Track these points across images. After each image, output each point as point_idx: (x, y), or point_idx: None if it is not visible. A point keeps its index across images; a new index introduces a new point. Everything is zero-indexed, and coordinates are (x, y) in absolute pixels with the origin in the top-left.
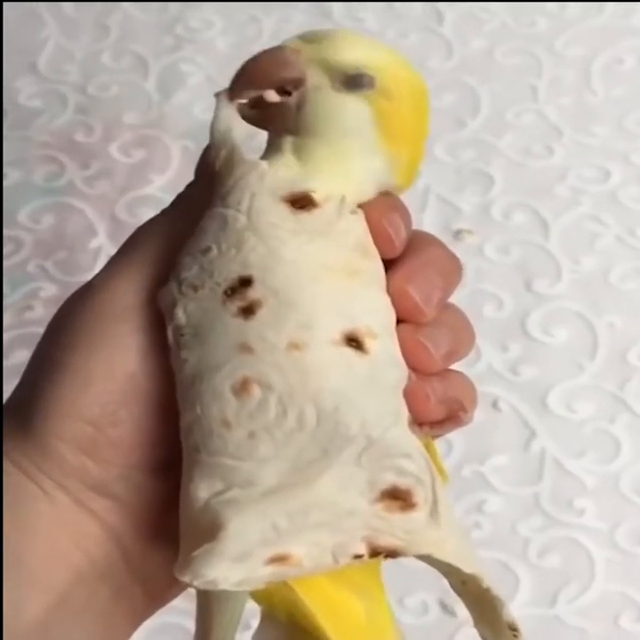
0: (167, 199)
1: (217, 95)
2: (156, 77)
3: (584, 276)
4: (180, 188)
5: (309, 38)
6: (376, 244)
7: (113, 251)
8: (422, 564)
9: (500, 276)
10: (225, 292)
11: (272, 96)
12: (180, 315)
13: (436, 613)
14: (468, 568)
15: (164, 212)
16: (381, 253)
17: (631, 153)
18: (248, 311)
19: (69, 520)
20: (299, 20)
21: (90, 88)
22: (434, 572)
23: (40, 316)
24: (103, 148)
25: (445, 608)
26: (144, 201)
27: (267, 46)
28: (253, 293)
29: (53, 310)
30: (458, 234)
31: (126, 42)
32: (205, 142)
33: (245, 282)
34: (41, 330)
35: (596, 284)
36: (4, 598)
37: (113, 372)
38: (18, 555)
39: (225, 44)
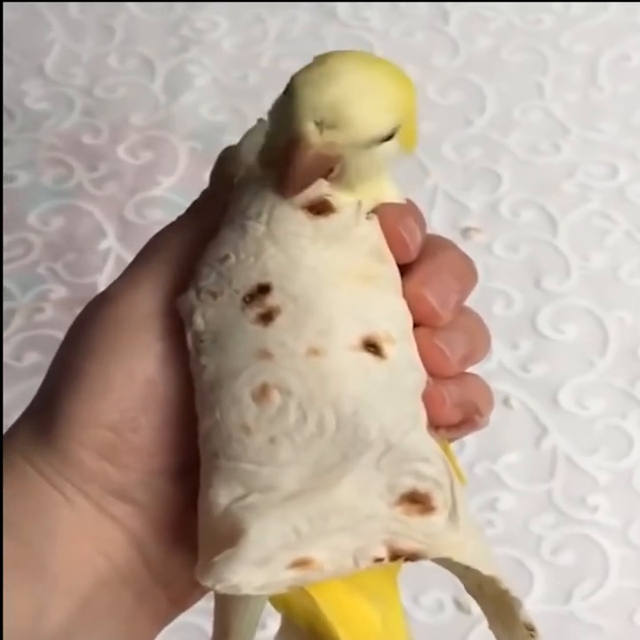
0: (176, 200)
1: (260, 120)
2: (163, 79)
3: (593, 273)
4: (189, 190)
5: (325, 120)
6: (391, 248)
7: (122, 252)
8: (434, 563)
9: (509, 274)
10: (243, 299)
11: (325, 189)
12: (199, 321)
13: (451, 611)
14: (487, 570)
15: (180, 218)
16: (396, 258)
17: (638, 149)
18: (267, 318)
19: (91, 525)
20: (304, 19)
21: (96, 90)
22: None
23: (51, 317)
24: (111, 149)
25: (460, 606)
26: (153, 202)
27: (273, 48)
28: (272, 300)
29: (64, 312)
30: (466, 232)
31: (132, 43)
32: (213, 143)
33: (264, 289)
34: (52, 332)
35: (606, 280)
36: (28, 603)
37: (132, 378)
38: (41, 560)
39: (231, 44)
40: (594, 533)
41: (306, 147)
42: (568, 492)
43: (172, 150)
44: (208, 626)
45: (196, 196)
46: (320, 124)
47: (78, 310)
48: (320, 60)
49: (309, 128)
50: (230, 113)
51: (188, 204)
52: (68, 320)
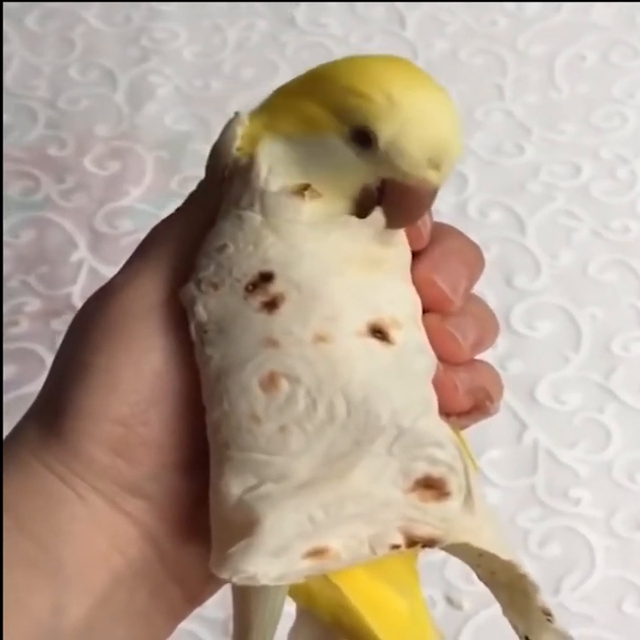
0: (145, 209)
1: (236, 114)
2: (125, 89)
3: (563, 271)
4: (158, 199)
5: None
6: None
7: (95, 263)
8: (425, 561)
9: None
10: (246, 288)
11: None
12: (201, 311)
13: (443, 608)
14: (504, 555)
15: (179, 210)
16: (411, 245)
17: (599, 148)
18: (271, 305)
19: (105, 522)
20: (262, 27)
21: (59, 102)
22: (438, 568)
23: (26, 330)
24: (77, 161)
25: (451, 602)
26: (122, 212)
27: (233, 56)
28: (275, 288)
29: (39, 325)
30: None
31: (92, 55)
32: (179, 152)
33: (266, 277)
34: (28, 345)
35: (576, 277)
36: (46, 601)
37: (140, 370)
38: (57, 559)
39: (191, 53)
40: (578, 525)
41: (433, 191)
42: (551, 485)
43: (138, 160)
44: (200, 632)
45: (165, 205)
46: (437, 166)
47: (54, 322)
48: (414, 78)
49: (433, 175)
50: (194, 121)
51: (157, 213)
52: (45, 332)
